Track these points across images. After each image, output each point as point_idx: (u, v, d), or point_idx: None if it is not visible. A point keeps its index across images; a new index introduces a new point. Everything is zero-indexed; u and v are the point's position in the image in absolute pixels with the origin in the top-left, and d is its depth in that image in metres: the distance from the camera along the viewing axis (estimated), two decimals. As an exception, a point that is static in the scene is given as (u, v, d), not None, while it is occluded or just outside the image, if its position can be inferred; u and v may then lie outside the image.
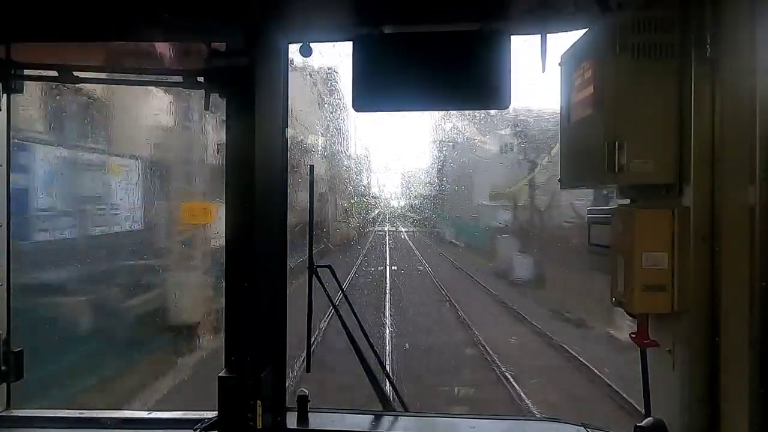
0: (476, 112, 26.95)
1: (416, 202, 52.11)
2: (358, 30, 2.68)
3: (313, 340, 3.17)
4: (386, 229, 50.55)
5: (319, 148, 25.81)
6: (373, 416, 2.98)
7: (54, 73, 2.91)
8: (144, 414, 3.11)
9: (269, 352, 2.84)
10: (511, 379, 11.38)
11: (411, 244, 41.51)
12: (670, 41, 2.14)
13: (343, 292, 3.16)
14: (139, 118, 11.25)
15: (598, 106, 2.24)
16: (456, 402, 10.35)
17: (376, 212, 55.36)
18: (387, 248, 36.76)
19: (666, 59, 2.15)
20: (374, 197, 54.48)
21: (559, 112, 2.73)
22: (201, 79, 2.82)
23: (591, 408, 9.91)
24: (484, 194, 33.92)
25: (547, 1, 2.48)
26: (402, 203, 55.38)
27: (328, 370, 8.58)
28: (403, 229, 50.56)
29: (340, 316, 3.05)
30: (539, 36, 2.65)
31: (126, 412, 3.13)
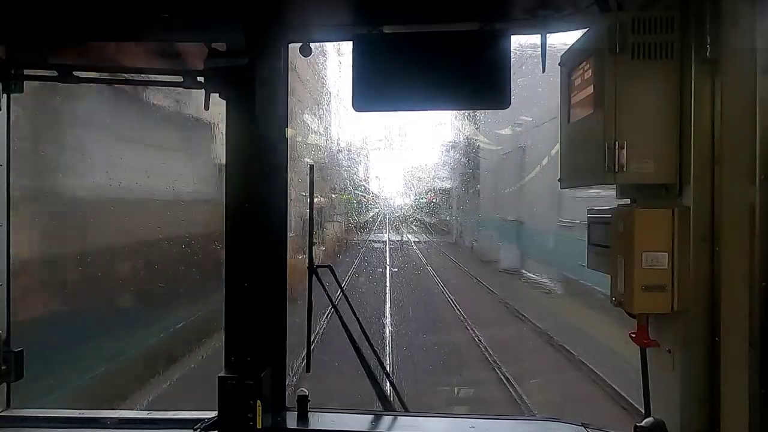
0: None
1: (428, 199, 36.65)
2: (358, 30, 2.68)
3: (313, 338, 3.16)
4: (386, 238, 34.40)
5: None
6: (373, 416, 2.98)
7: (54, 73, 2.92)
8: (144, 414, 3.11)
9: (269, 352, 2.84)
10: None
11: (431, 272, 22.26)
12: (670, 41, 2.14)
13: (343, 292, 3.16)
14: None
15: (598, 106, 2.24)
16: None
17: (375, 212, 39.90)
18: (387, 289, 18.02)
19: (666, 59, 2.15)
20: (372, 194, 39.28)
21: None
22: (201, 79, 2.82)
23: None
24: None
25: (547, 1, 2.48)
26: (408, 201, 38.44)
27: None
28: (411, 238, 34.45)
29: (340, 316, 3.05)
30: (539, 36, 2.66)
31: (126, 412, 3.13)
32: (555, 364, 10.72)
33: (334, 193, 27.91)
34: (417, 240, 34.81)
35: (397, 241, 34.31)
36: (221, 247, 2.82)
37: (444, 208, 37.17)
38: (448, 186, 37.02)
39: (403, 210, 38.77)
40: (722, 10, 2.03)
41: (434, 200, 36.94)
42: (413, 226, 37.17)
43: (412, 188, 37.59)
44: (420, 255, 28.50)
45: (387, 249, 30.33)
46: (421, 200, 37.84)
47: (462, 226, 34.32)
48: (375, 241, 32.85)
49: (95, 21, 2.78)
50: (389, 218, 40.44)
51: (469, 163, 31.57)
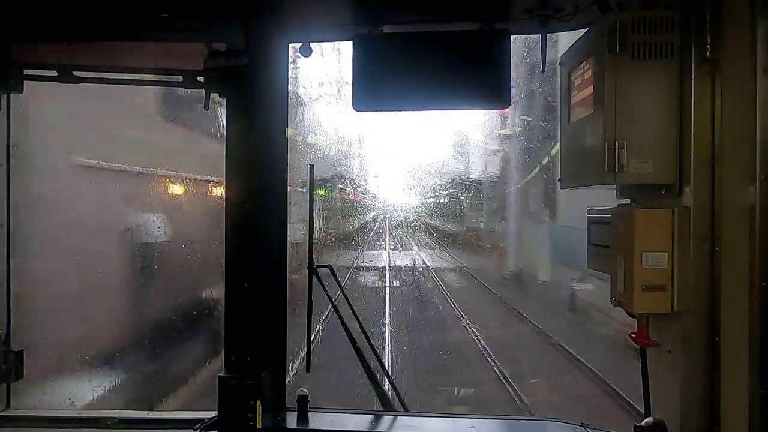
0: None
1: (450, 196, 23.54)
2: (358, 30, 2.68)
3: (313, 338, 3.15)
4: (385, 261, 20.70)
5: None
6: (373, 416, 2.98)
7: (54, 73, 2.92)
8: (144, 414, 3.11)
9: (269, 352, 2.84)
10: None
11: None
12: (670, 41, 2.14)
13: (343, 292, 3.16)
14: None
15: (598, 106, 2.24)
16: None
17: (368, 217, 27.82)
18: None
19: (666, 59, 2.15)
20: (364, 188, 26.65)
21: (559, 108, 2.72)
22: (201, 79, 2.83)
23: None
24: None
25: (547, 1, 2.48)
26: (416, 200, 24.78)
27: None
28: (427, 262, 20.85)
29: (339, 316, 3.05)
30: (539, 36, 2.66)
31: (126, 412, 3.13)
32: None
33: (299, 187, 14.50)
34: (439, 267, 20.17)
35: (406, 268, 19.33)
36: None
37: (475, 209, 22.87)
38: (480, 176, 23.50)
39: (406, 213, 25.07)
40: (722, 10, 2.03)
41: (457, 198, 23.35)
42: (427, 238, 24.61)
43: (423, 182, 23.90)
44: (462, 318, 13.37)
45: (387, 288, 16.13)
46: (433, 198, 24.45)
47: (518, 240, 19.40)
48: (367, 269, 18.40)
49: (95, 21, 2.78)
50: (389, 222, 27.20)
51: (529, 134, 19.02)
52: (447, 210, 23.91)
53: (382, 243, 24.83)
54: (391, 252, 23.07)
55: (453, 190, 23.96)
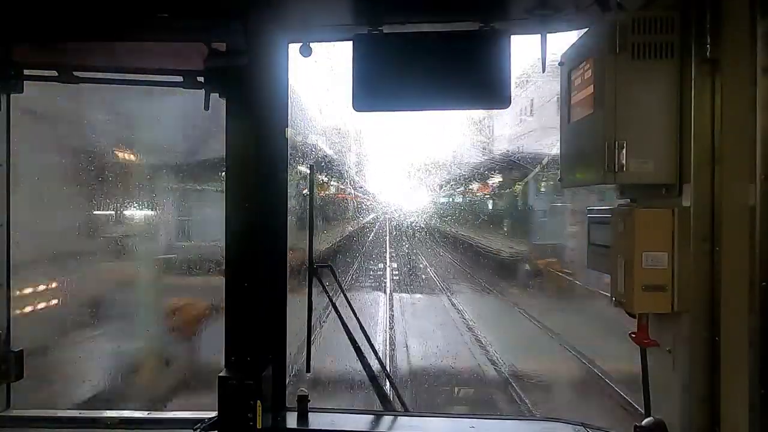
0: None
1: (482, 191, 15.25)
2: (358, 29, 2.68)
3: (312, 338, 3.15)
4: (390, 311, 10.91)
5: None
6: (373, 416, 2.99)
7: (54, 73, 2.92)
8: (144, 414, 3.11)
9: (269, 352, 2.85)
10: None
11: None
12: (670, 41, 2.14)
13: (343, 292, 3.16)
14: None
15: (598, 106, 2.24)
16: None
17: (368, 219, 18.68)
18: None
19: (666, 59, 2.15)
20: (362, 189, 18.85)
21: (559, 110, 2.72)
22: (201, 79, 2.83)
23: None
24: None
25: (547, 1, 2.48)
26: (431, 199, 15.64)
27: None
28: (487, 345, 9.32)
29: (340, 316, 3.05)
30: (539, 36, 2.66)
31: (126, 412, 3.13)
32: None
33: (210, 183, 8.46)
34: (534, 374, 8.41)
35: (444, 379, 8.38)
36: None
37: (559, 213, 14.09)
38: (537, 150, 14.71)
39: (417, 217, 15.26)
40: (722, 10, 2.03)
41: (506, 191, 14.89)
42: (459, 265, 14.77)
43: (443, 170, 15.64)
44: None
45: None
46: (448, 197, 15.95)
47: None
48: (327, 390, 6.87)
49: (95, 21, 2.78)
50: (390, 226, 17.66)
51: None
52: (493, 212, 13.78)
53: (380, 270, 13.90)
54: (393, 295, 12.40)
55: (498, 179, 13.52)
